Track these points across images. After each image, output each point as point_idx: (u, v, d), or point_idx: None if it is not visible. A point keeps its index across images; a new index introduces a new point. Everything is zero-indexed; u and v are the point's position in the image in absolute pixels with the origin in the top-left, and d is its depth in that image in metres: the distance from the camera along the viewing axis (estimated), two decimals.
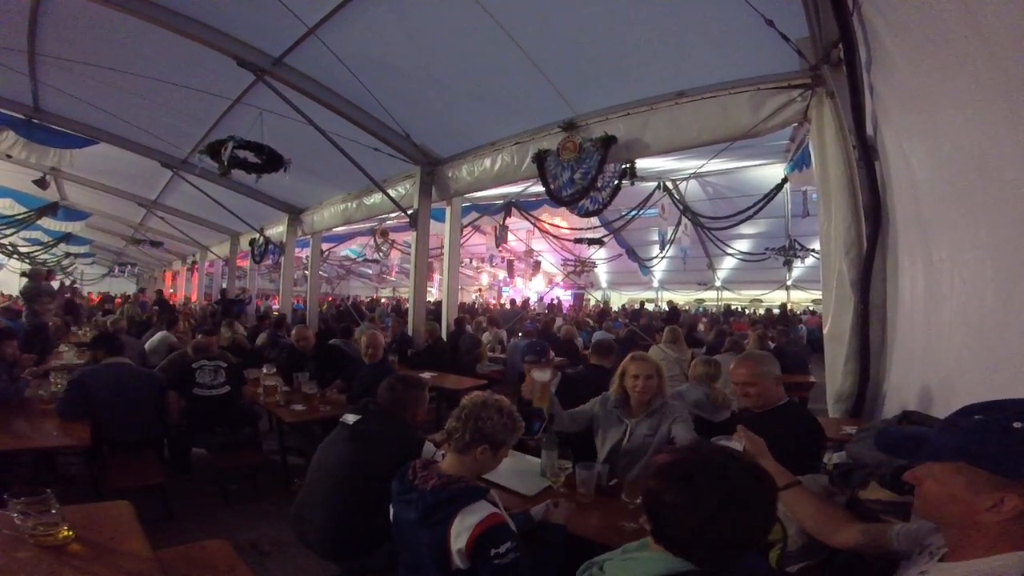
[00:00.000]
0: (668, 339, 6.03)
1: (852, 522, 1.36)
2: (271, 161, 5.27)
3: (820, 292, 3.48)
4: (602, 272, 18.75)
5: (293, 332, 5.38)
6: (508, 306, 17.94)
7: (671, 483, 1.10)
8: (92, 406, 3.30)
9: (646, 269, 15.51)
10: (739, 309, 18.17)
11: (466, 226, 8.99)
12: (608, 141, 4.41)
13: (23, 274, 8.38)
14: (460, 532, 1.52)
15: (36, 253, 15.68)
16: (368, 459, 2.21)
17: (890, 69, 2.48)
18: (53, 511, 1.52)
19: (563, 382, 3.29)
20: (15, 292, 13.58)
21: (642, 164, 4.75)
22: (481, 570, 1.50)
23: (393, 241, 11.53)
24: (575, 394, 3.14)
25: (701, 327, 11.52)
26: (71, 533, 1.55)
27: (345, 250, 15.53)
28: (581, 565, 1.32)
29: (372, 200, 7.70)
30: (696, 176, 7.69)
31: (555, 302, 18.92)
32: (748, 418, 2.36)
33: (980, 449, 0.93)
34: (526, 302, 17.58)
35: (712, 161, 5.49)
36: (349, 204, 8.33)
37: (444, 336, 7.06)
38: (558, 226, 10.01)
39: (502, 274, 18.93)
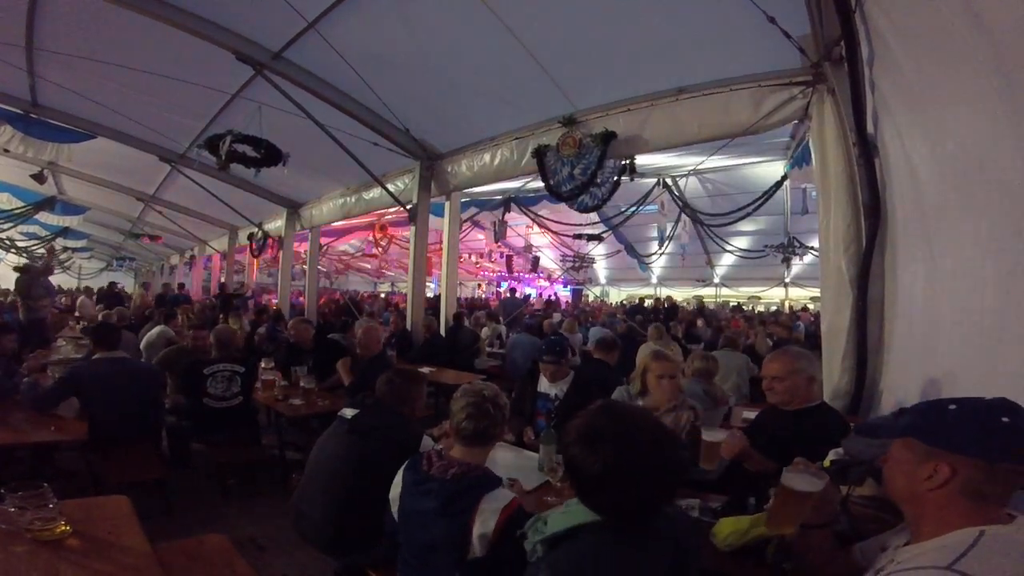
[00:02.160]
0: (654, 337, 6.02)
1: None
2: (270, 155, 5.25)
3: (818, 289, 3.48)
4: (600, 268, 18.74)
5: (290, 325, 5.37)
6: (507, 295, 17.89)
7: (579, 443, 1.20)
8: (85, 403, 3.25)
9: (644, 265, 15.51)
10: (735, 304, 18.17)
11: (465, 221, 8.96)
12: (608, 137, 4.40)
13: (16, 268, 8.32)
14: (485, 518, 1.56)
15: (33, 247, 15.63)
16: (367, 453, 2.21)
17: (892, 66, 2.47)
18: (51, 505, 1.52)
19: (575, 380, 3.31)
20: (12, 286, 13.56)
21: (642, 160, 4.73)
22: (510, 551, 1.53)
23: (392, 236, 11.50)
24: (586, 390, 3.18)
25: (699, 324, 11.52)
26: (68, 528, 1.55)
27: (343, 244, 15.49)
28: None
29: (371, 195, 7.68)
30: (696, 172, 7.68)
31: (553, 298, 18.93)
32: (775, 416, 2.32)
33: (921, 425, 1.10)
34: (526, 298, 17.58)
35: (712, 158, 5.48)
36: (348, 198, 8.31)
37: (442, 331, 7.06)
38: (557, 221, 9.98)
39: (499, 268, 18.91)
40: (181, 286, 14.98)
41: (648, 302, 17.22)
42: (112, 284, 13.68)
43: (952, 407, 1.07)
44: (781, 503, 1.40)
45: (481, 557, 1.57)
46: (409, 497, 1.74)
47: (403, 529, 1.77)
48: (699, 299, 15.76)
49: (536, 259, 16.36)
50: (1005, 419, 1.01)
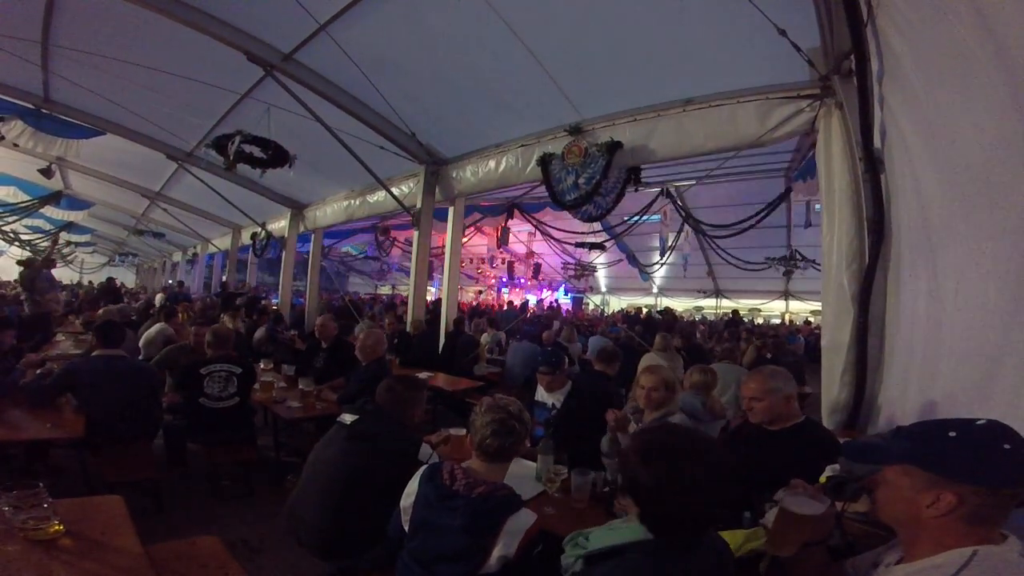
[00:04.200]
0: (659, 347, 6.01)
1: None
2: (277, 156, 5.27)
3: (819, 303, 3.47)
4: (602, 276, 18.76)
5: (318, 321, 5.37)
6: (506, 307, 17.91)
7: (635, 463, 1.24)
8: (81, 400, 3.24)
9: (646, 275, 15.51)
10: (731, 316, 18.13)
11: (468, 226, 8.98)
12: (614, 147, 4.40)
13: (19, 262, 8.38)
14: (508, 541, 1.58)
15: (37, 241, 15.69)
16: (365, 459, 2.21)
17: (902, 81, 2.46)
18: (45, 505, 1.51)
19: (572, 390, 3.30)
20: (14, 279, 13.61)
21: (646, 170, 4.74)
22: (529, 568, 1.60)
23: (395, 239, 11.53)
24: (583, 400, 3.18)
25: (698, 335, 11.50)
26: (61, 527, 1.54)
27: (346, 246, 15.50)
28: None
29: (375, 198, 7.70)
30: (700, 183, 7.69)
31: (555, 305, 18.92)
32: (760, 436, 2.30)
33: (922, 453, 1.09)
34: (525, 304, 17.59)
35: (717, 169, 5.48)
36: (352, 201, 8.33)
37: (443, 336, 7.05)
38: (560, 229, 9.99)
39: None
40: (180, 284, 15.00)
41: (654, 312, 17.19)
42: (111, 279, 13.67)
43: (952, 434, 1.07)
44: (782, 526, 1.38)
45: (494, 572, 1.58)
46: (428, 510, 1.71)
47: (415, 538, 1.74)
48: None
49: (537, 266, 16.39)
50: (1007, 446, 1.02)
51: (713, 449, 1.26)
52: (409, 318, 7.21)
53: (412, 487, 1.79)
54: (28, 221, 13.47)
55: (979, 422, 1.08)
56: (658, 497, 1.21)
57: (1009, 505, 1.04)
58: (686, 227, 8.91)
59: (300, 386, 4.27)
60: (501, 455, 1.80)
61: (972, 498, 1.02)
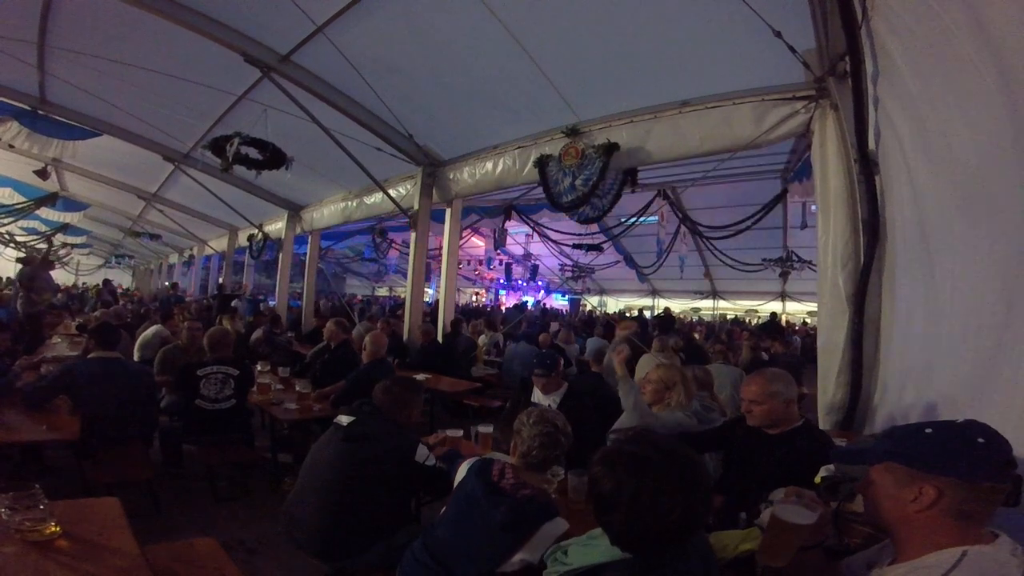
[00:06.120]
0: (656, 349, 6.03)
1: None
2: (274, 158, 5.27)
3: (815, 304, 3.48)
4: (599, 278, 18.77)
5: (328, 327, 5.31)
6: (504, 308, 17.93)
7: (600, 471, 1.19)
8: (77, 402, 3.23)
9: (643, 276, 15.53)
10: (734, 317, 18.19)
11: (465, 228, 8.99)
12: (610, 148, 4.41)
13: (18, 259, 8.35)
14: (537, 546, 1.64)
15: (33, 242, 15.63)
16: (362, 460, 2.21)
17: (897, 82, 2.48)
18: (41, 507, 1.51)
19: (568, 392, 3.32)
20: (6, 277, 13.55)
21: (643, 171, 4.75)
22: None
23: (392, 241, 11.51)
24: (579, 402, 3.17)
25: (696, 336, 11.52)
26: (58, 529, 1.54)
27: (343, 247, 15.49)
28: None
29: (372, 200, 7.70)
30: (696, 184, 7.71)
31: (547, 307, 18.93)
32: (758, 439, 2.29)
33: (901, 449, 1.14)
34: (523, 305, 17.59)
35: (714, 170, 5.50)
36: (349, 203, 8.33)
37: (440, 338, 7.05)
38: (557, 231, 10.00)
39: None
40: (174, 286, 14.95)
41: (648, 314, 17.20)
42: (107, 282, 13.61)
43: (928, 431, 1.12)
44: (774, 535, 1.35)
45: (509, 572, 1.62)
46: (471, 501, 1.76)
47: (440, 527, 1.80)
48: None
49: (535, 267, 16.41)
50: (981, 440, 1.06)
51: (683, 458, 1.19)
52: (407, 321, 7.20)
53: (461, 475, 1.88)
54: (24, 222, 13.42)
55: (957, 421, 1.12)
56: (618, 509, 1.15)
57: (992, 501, 1.06)
58: (683, 228, 8.92)
59: (297, 388, 4.28)
60: (543, 465, 1.93)
61: (952, 491, 1.04)
